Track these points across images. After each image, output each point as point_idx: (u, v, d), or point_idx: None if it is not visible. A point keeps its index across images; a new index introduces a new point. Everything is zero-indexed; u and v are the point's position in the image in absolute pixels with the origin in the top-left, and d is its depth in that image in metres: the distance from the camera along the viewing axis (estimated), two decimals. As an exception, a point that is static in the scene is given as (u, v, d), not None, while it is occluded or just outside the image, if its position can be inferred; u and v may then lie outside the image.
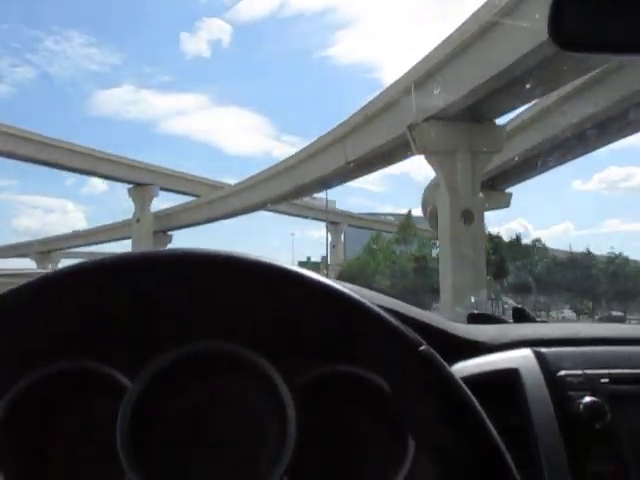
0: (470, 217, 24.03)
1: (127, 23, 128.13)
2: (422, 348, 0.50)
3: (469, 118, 24.03)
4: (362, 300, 0.52)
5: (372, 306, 0.51)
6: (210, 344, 0.63)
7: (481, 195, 24.70)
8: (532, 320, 1.06)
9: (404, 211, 46.91)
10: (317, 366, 0.66)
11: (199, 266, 0.49)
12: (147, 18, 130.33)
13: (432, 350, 0.50)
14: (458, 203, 24.21)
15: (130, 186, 60.54)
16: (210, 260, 0.49)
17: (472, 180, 24.50)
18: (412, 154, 26.67)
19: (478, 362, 0.73)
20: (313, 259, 70.87)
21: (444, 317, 0.86)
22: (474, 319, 1.02)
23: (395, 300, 0.84)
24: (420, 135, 23.95)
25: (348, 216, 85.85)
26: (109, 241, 72.59)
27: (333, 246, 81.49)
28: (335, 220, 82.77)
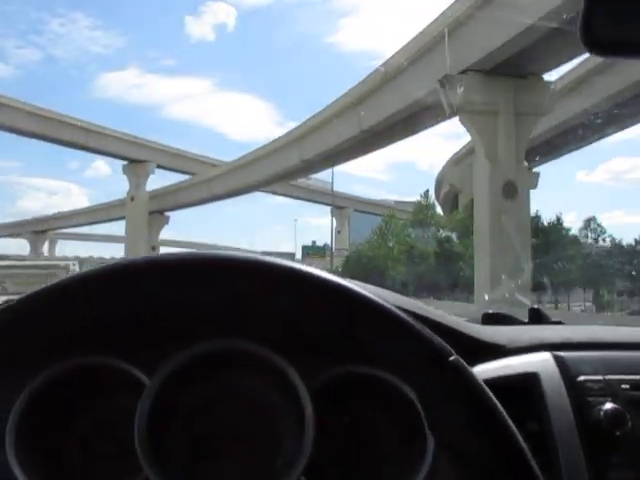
0: (513, 191, 19.89)
1: (132, 6, 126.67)
2: (452, 358, 0.50)
3: (513, 72, 19.78)
4: (389, 306, 0.51)
5: (399, 313, 0.51)
6: (227, 342, 0.64)
7: (526, 164, 20.42)
8: (548, 321, 1.02)
9: (410, 199, 42.63)
10: (335, 366, 0.67)
11: (217, 269, 0.49)
12: (152, 1, 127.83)
13: (461, 360, 0.50)
14: (499, 174, 20.06)
15: (125, 163, 56.99)
16: (228, 263, 0.49)
17: (515, 147, 20.32)
18: (441, 119, 22.47)
19: (496, 365, 0.72)
20: (316, 246, 67.33)
21: (458, 317, 0.83)
22: (489, 319, 1.00)
23: (409, 299, 0.82)
24: (455, 90, 19.72)
25: (355, 200, 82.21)
26: (104, 221, 69.08)
27: (338, 231, 77.76)
28: (341, 204, 79.21)
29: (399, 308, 0.52)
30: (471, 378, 0.49)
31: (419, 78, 21.28)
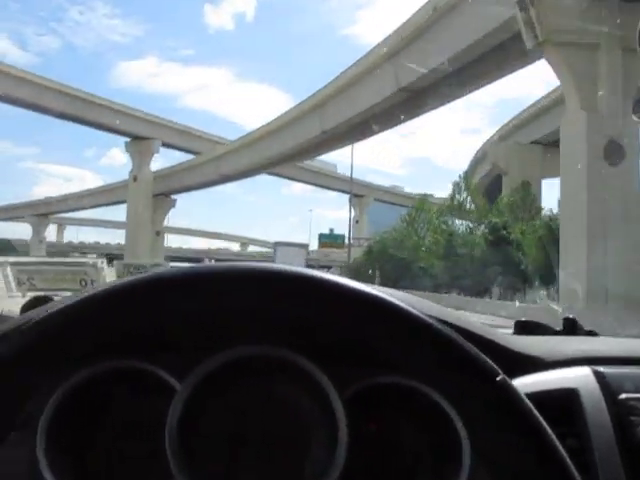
0: (618, 153, 14.34)
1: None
2: (499, 378, 0.49)
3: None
4: (431, 321, 0.50)
5: (443, 328, 0.50)
6: (258, 348, 0.64)
7: (636, 119, 14.70)
8: (583, 331, 1.00)
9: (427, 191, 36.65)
10: (369, 376, 0.66)
11: (250, 281, 0.49)
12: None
13: (508, 380, 0.49)
14: (598, 131, 14.51)
15: (127, 140, 52.02)
16: (260, 275, 0.49)
17: (622, 94, 14.78)
18: (517, 62, 16.86)
19: (535, 380, 0.71)
20: (333, 234, 61.96)
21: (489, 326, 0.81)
22: (522, 328, 0.98)
23: (439, 307, 0.80)
24: (543, 13, 14.18)
25: (375, 189, 76.89)
26: (107, 204, 64.19)
27: (356, 221, 72.75)
28: (360, 192, 73.96)
29: (438, 319, 0.51)
30: (519, 399, 0.49)
31: (487, 3, 15.75)
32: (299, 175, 63.44)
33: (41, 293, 1.03)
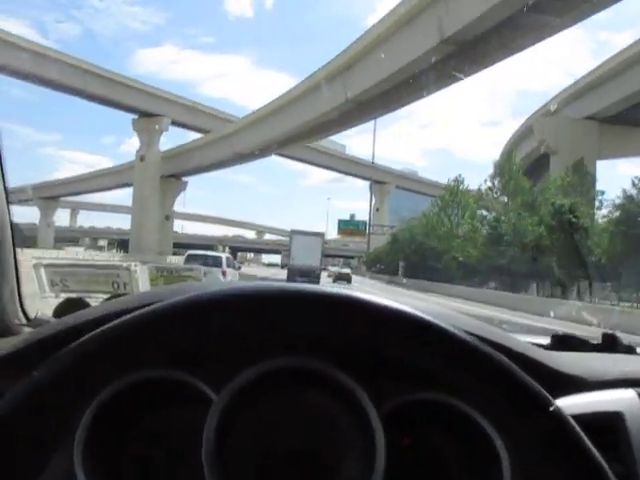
0: None
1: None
2: (552, 408, 0.48)
3: None
4: (482, 346, 0.50)
5: (492, 352, 0.50)
6: (295, 360, 0.64)
7: None
8: (623, 347, 0.96)
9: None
10: (407, 393, 0.65)
11: (294, 303, 0.51)
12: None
13: (561, 410, 0.49)
14: None
15: (134, 117, 48.40)
16: (302, 297, 0.52)
17: None
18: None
19: (577, 401, 0.68)
20: (353, 220, 58.00)
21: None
22: (560, 342, 0.95)
23: (477, 322, 0.76)
24: None
25: (397, 176, 72.71)
26: (114, 187, 60.80)
27: (377, 209, 69.02)
28: (382, 179, 69.90)
29: (478, 337, 0.51)
30: (573, 429, 0.48)
31: None
32: (316, 158, 59.54)
33: (74, 295, 1.03)
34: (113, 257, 35.43)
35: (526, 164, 30.91)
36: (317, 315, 0.50)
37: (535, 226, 21.88)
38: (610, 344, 0.96)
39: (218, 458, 0.61)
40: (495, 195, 27.10)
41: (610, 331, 0.99)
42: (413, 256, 34.27)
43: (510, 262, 22.66)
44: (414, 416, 0.66)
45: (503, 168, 27.15)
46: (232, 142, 39.75)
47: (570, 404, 0.64)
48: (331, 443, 0.65)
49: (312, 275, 25.69)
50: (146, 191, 45.86)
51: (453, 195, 31.00)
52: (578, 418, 0.54)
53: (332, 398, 0.65)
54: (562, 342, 0.95)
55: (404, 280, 34.54)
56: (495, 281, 26.38)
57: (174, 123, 46.69)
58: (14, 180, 0.98)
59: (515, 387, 0.48)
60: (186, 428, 0.65)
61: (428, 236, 31.44)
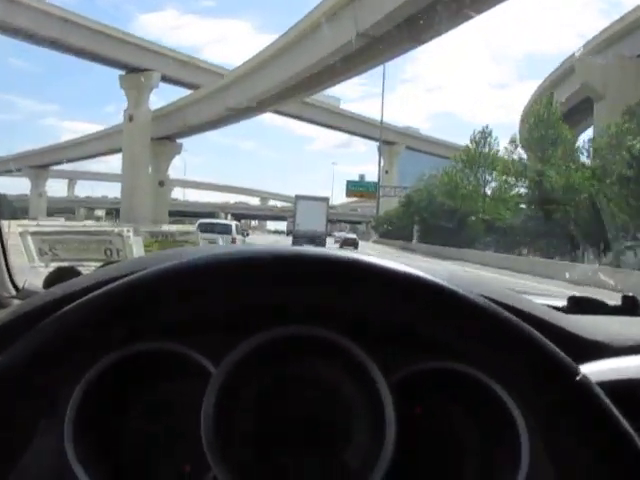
0: None
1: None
2: (579, 377, 0.46)
3: None
4: (502, 313, 0.46)
5: (515, 320, 0.46)
6: (296, 329, 0.61)
7: None
8: None
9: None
10: (419, 361, 0.62)
11: (290, 267, 0.46)
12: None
13: (588, 378, 0.46)
14: None
15: (121, 73, 44.05)
16: (301, 261, 0.47)
17: None
18: None
19: (602, 368, 0.64)
20: (363, 182, 53.78)
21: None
22: (577, 304, 0.90)
23: (490, 282, 0.74)
24: None
25: (407, 136, 68.19)
26: (107, 153, 56.64)
27: (386, 172, 65.33)
28: (391, 139, 65.44)
29: (495, 301, 0.48)
30: (600, 399, 0.46)
31: None
32: (319, 117, 55.16)
33: (65, 264, 1.02)
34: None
35: (564, 111, 26.61)
36: (319, 280, 0.46)
37: (588, 180, 17.77)
38: (631, 307, 0.91)
39: (217, 435, 0.58)
40: (531, 147, 22.82)
41: (631, 294, 0.93)
42: (431, 219, 30.19)
43: (556, 224, 18.60)
44: (425, 384, 0.63)
45: (540, 115, 22.88)
46: (225, 96, 35.56)
47: (595, 371, 0.60)
48: (339, 415, 0.63)
49: (317, 241, 24.82)
50: (137, 154, 41.70)
51: (480, 145, 26.71)
52: (603, 385, 0.52)
53: (339, 369, 0.62)
54: (579, 305, 0.90)
55: (422, 246, 30.86)
56: (533, 246, 22.38)
57: (164, 79, 42.29)
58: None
59: (538, 356, 0.45)
60: (186, 401, 0.62)
61: (451, 196, 27.24)
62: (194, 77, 41.78)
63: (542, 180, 19.50)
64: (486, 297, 0.49)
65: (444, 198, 27.55)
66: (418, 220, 34.34)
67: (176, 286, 0.45)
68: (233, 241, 14.54)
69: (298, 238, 25.93)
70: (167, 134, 44.83)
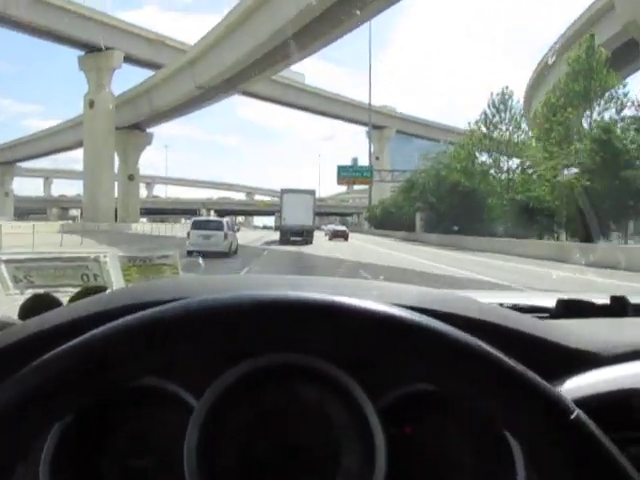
0: None
1: None
2: (573, 416, 0.44)
3: None
4: (483, 351, 0.45)
5: (508, 361, 0.45)
6: (281, 357, 0.60)
7: None
8: (633, 311, 0.90)
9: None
10: (405, 385, 0.61)
11: (266, 314, 0.47)
12: None
13: (583, 415, 0.45)
14: None
15: (81, 54, 38.84)
16: (278, 308, 0.47)
17: None
18: None
19: (590, 380, 0.61)
20: (356, 166, 48.77)
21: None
22: (565, 307, 0.89)
23: (471, 300, 0.70)
24: None
25: (398, 118, 63.46)
26: (75, 147, 51.29)
27: (377, 158, 60.90)
28: (381, 124, 60.66)
29: (476, 321, 0.48)
30: (596, 438, 0.45)
31: None
32: (306, 100, 50.27)
33: (41, 290, 0.93)
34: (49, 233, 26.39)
35: (618, 47, 21.92)
36: (295, 325, 0.46)
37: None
38: (619, 307, 0.91)
39: (201, 469, 0.58)
40: (572, 103, 17.96)
41: (619, 294, 0.92)
42: (439, 204, 25.44)
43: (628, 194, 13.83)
44: (415, 404, 0.62)
45: (580, 64, 18.08)
46: (193, 74, 30.62)
47: (582, 385, 0.60)
48: (327, 441, 0.62)
49: (304, 235, 24.93)
50: (100, 145, 36.54)
51: (500, 112, 21.88)
52: (593, 399, 0.52)
53: (325, 395, 0.61)
54: (568, 307, 0.89)
55: (430, 236, 26.18)
56: (570, 228, 17.72)
57: (127, 59, 37.17)
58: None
59: (531, 397, 0.45)
60: (168, 436, 0.61)
61: (468, 173, 22.43)
62: (161, 56, 36.68)
63: (611, 139, 14.51)
64: (464, 316, 0.48)
65: (458, 176, 22.75)
66: (422, 206, 29.68)
67: (145, 342, 0.45)
68: (225, 237, 15.50)
69: (285, 233, 25.30)
70: (134, 122, 39.78)
